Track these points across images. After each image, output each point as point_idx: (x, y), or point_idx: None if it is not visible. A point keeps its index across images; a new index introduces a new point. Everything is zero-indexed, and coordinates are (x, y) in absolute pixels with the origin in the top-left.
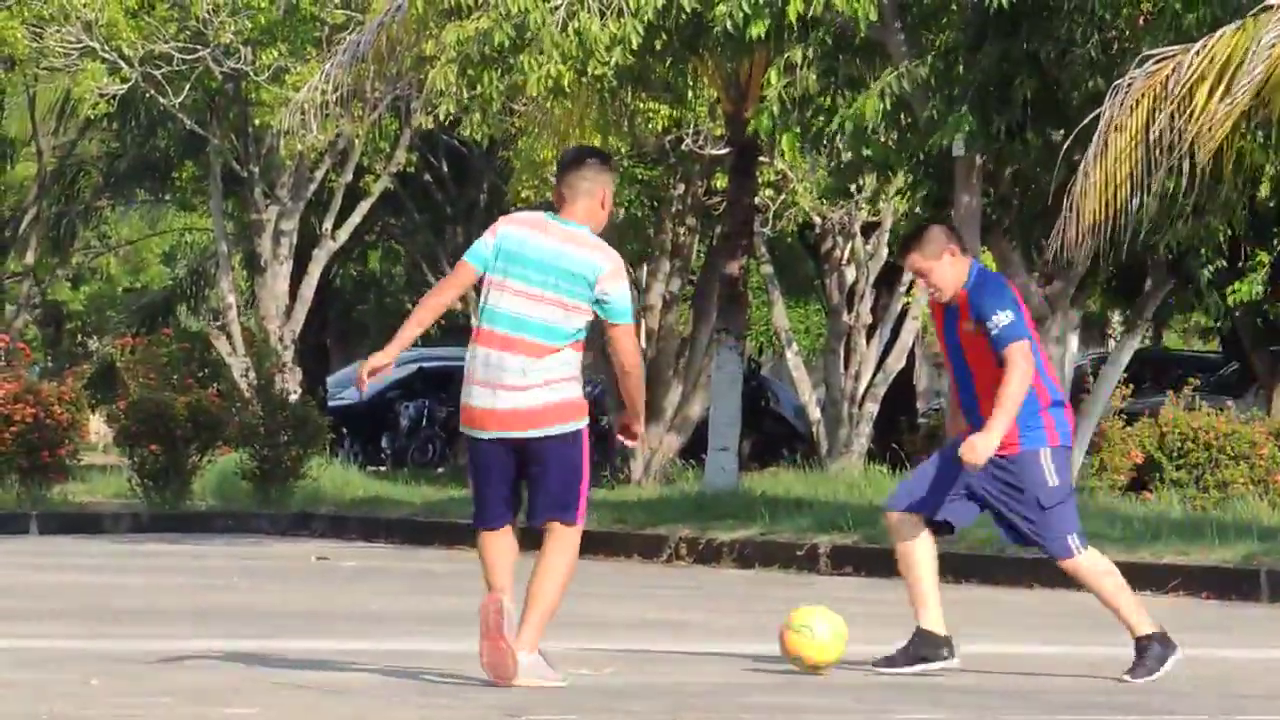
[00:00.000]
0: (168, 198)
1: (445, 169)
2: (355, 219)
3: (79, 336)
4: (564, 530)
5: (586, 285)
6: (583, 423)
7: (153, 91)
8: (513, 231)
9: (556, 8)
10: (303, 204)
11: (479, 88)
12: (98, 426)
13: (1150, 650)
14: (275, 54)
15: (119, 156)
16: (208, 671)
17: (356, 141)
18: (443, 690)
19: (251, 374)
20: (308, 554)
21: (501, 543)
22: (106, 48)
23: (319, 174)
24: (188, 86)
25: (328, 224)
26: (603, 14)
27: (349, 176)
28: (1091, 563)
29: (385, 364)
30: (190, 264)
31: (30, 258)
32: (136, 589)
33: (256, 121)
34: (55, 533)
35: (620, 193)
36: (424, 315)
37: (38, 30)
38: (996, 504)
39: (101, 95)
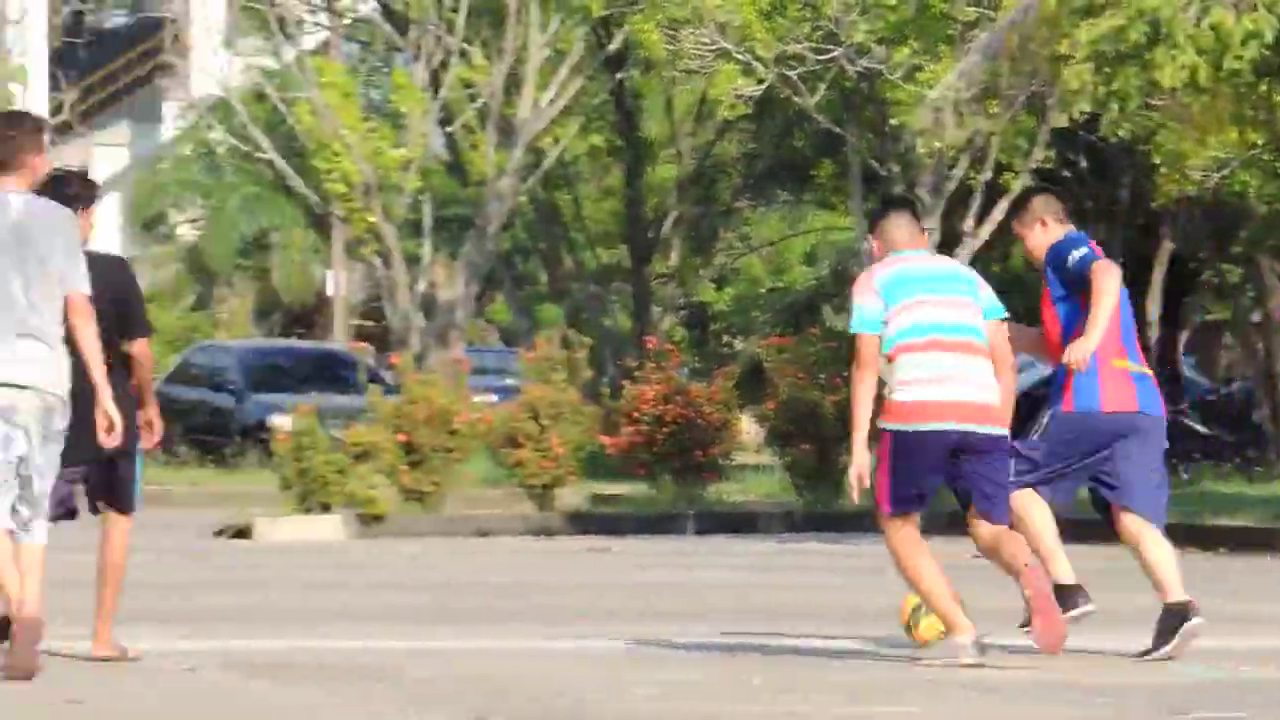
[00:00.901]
0: (807, 197)
1: (1084, 165)
2: (996, 216)
3: (724, 337)
4: None
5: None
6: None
7: (788, 92)
8: (883, 271)
9: (1189, 3)
10: (943, 201)
11: (1114, 84)
12: (748, 426)
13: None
14: (908, 52)
15: (757, 157)
16: (863, 670)
17: (994, 139)
18: (1103, 689)
19: None
20: (962, 553)
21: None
22: (740, 49)
23: (957, 171)
24: (823, 87)
25: (969, 222)
26: (1237, 7)
27: (988, 174)
28: None
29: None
30: (832, 263)
31: (674, 259)
32: (790, 588)
33: (893, 120)
34: (711, 532)
35: (1261, 189)
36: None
37: (672, 33)
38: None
39: (738, 97)
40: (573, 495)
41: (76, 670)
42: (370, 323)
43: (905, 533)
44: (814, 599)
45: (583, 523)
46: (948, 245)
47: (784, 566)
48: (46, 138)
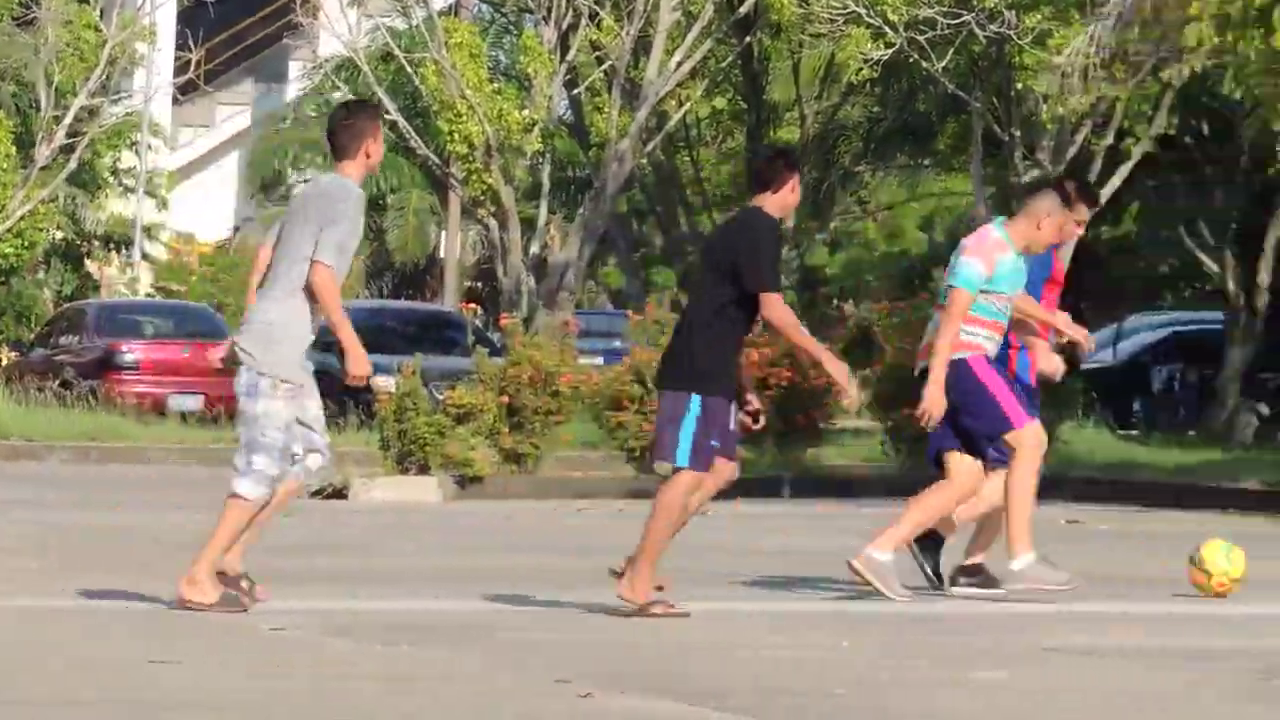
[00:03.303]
0: (926, 162)
1: (1206, 131)
2: (1115, 182)
3: (834, 300)
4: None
5: None
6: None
7: (916, 56)
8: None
9: None
10: (1063, 167)
11: (1240, 46)
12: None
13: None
14: (1038, 17)
15: (879, 121)
16: (959, 635)
17: (1119, 105)
18: (1196, 654)
19: None
20: (1057, 517)
21: None
22: (871, 13)
23: (1079, 137)
24: (951, 51)
25: None
26: None
27: (1110, 139)
28: None
29: None
30: (948, 228)
31: (790, 222)
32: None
33: (1019, 85)
34: (808, 496)
35: None
36: None
37: None
38: None
39: (865, 61)
40: None
41: (173, 629)
42: (481, 284)
43: None
44: (912, 563)
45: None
46: None
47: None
48: (381, 124)
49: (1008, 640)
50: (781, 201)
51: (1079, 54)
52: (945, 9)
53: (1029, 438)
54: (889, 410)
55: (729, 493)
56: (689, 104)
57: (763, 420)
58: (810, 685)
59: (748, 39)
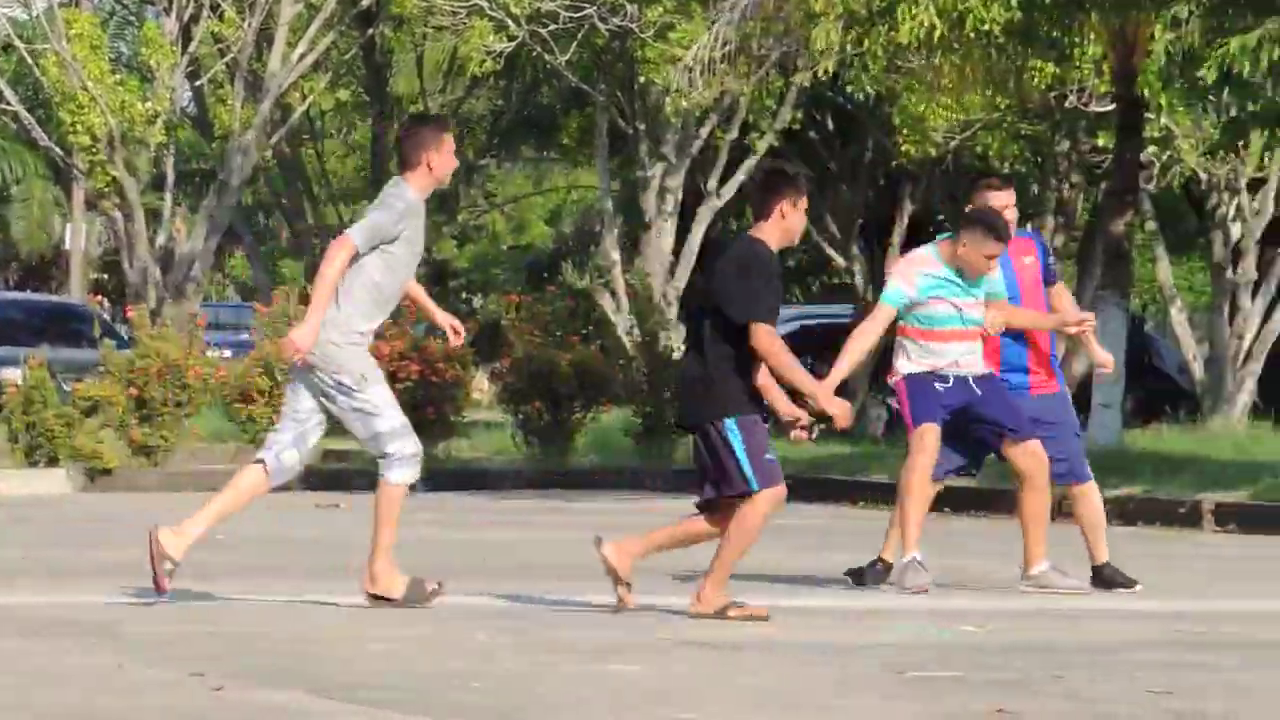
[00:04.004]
0: (552, 155)
1: (831, 126)
2: (740, 176)
3: (463, 294)
4: None
5: None
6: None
7: (539, 49)
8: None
9: None
10: (688, 161)
11: (865, 43)
12: (481, 383)
13: None
14: (661, 10)
15: (503, 114)
16: (598, 628)
17: (742, 99)
18: (826, 647)
19: (636, 331)
20: (673, 509)
21: None
22: (494, 6)
23: (704, 131)
24: (574, 44)
25: (712, 181)
26: None
27: (735, 134)
28: None
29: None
30: (575, 221)
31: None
32: (518, 545)
33: (642, 78)
34: (441, 489)
35: (1004, 149)
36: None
37: None
38: None
39: (488, 53)
40: None
41: None
42: (108, 276)
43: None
44: (542, 557)
45: (313, 479)
46: (690, 204)
47: (512, 524)
48: (449, 137)
49: (649, 635)
50: (778, 228)
51: (703, 49)
52: (568, 3)
53: (914, 439)
54: (518, 403)
55: (357, 485)
56: (312, 96)
57: (815, 431)
58: (444, 677)
59: (370, 31)
